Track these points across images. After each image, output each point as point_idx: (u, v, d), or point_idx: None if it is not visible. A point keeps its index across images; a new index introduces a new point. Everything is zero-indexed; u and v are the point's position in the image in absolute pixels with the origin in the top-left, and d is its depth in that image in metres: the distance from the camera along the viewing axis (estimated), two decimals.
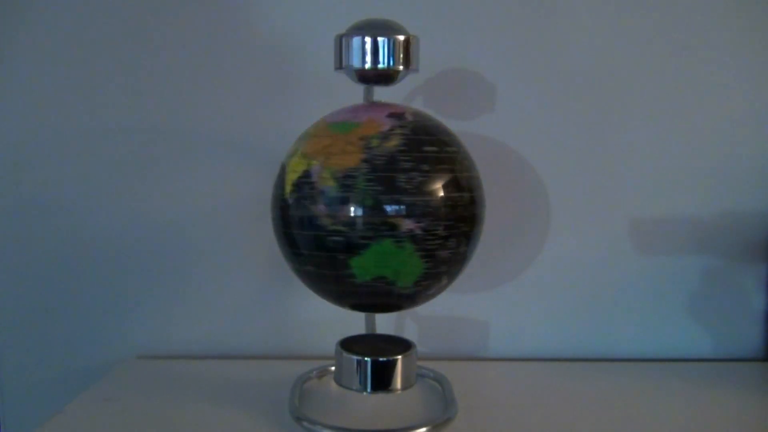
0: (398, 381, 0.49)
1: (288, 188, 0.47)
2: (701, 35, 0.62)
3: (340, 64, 0.49)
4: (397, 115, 0.47)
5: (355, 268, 0.45)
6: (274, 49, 0.62)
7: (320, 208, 0.45)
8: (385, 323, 0.63)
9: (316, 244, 0.46)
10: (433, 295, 0.49)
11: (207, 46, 0.62)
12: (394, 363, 0.48)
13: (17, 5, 0.61)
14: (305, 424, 0.48)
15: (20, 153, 0.63)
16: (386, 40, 0.47)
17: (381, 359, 0.48)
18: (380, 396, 0.53)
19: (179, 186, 0.63)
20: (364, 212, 0.44)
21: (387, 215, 0.44)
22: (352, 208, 0.44)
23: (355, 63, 0.48)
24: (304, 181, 0.46)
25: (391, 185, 0.44)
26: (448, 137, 0.48)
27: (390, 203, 0.44)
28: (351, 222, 0.44)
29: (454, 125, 0.51)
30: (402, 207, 0.44)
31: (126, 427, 0.50)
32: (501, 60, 0.62)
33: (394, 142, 0.45)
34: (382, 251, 0.45)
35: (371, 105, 0.50)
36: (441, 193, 0.45)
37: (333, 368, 0.53)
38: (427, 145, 0.46)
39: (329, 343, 0.52)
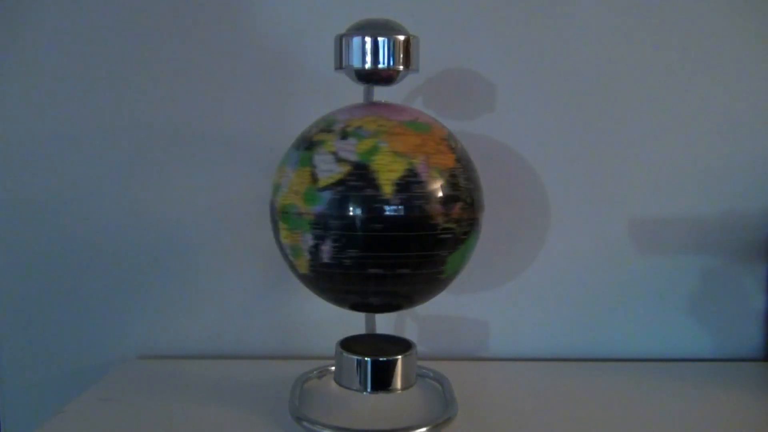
0: (398, 381, 0.49)
1: (389, 188, 0.44)
2: (701, 35, 0.62)
3: (340, 64, 0.49)
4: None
5: (449, 264, 0.47)
6: (274, 49, 0.62)
7: (435, 207, 0.45)
8: (385, 323, 0.63)
9: (421, 244, 0.45)
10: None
11: (207, 47, 0.62)
12: (394, 363, 0.48)
13: (18, 5, 0.61)
14: (305, 424, 0.48)
15: (20, 152, 0.63)
16: (386, 40, 0.47)
17: (381, 359, 0.48)
18: (380, 396, 0.53)
19: (179, 186, 0.63)
20: (464, 209, 0.46)
21: (476, 211, 0.48)
22: (459, 206, 0.46)
23: (355, 63, 0.48)
24: (412, 181, 0.44)
25: (477, 183, 0.48)
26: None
27: (480, 199, 0.48)
28: (457, 219, 0.46)
29: (454, 125, 0.51)
30: (483, 202, 0.49)
31: (126, 427, 0.50)
32: (501, 60, 0.62)
33: (461, 144, 0.49)
34: (470, 245, 0.48)
35: (371, 105, 0.50)
36: None
37: (333, 368, 0.53)
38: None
39: (329, 343, 0.52)
